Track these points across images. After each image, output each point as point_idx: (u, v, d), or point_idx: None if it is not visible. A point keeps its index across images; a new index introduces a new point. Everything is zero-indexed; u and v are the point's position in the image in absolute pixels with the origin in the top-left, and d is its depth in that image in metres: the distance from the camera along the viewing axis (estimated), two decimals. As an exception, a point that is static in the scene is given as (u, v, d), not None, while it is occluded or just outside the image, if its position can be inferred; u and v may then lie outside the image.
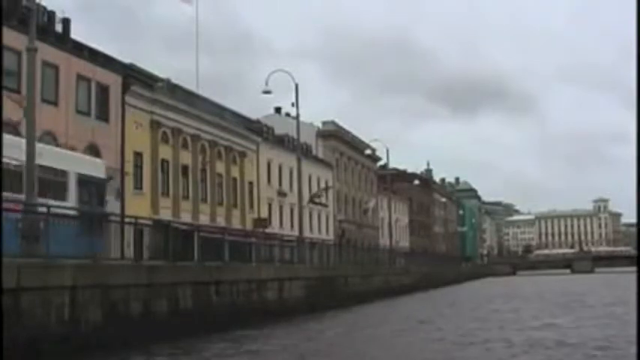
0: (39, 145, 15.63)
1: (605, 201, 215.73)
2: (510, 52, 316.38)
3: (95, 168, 19.74)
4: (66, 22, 30.84)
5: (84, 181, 18.08)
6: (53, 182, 16.64)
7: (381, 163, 71.16)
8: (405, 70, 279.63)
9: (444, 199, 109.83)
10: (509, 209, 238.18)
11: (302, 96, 32.14)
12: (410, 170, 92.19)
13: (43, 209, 13.52)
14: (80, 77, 29.23)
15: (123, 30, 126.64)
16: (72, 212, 15.60)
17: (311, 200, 52.12)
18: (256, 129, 47.62)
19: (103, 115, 30.73)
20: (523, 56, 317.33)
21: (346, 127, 65.94)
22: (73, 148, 25.24)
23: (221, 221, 39.62)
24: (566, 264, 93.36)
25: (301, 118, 33.66)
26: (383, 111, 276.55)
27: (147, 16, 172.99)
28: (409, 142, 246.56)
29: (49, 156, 16.58)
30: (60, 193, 16.69)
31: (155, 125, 34.97)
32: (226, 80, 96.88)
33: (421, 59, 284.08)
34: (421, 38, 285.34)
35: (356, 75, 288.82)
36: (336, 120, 64.14)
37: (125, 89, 32.21)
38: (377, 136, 70.02)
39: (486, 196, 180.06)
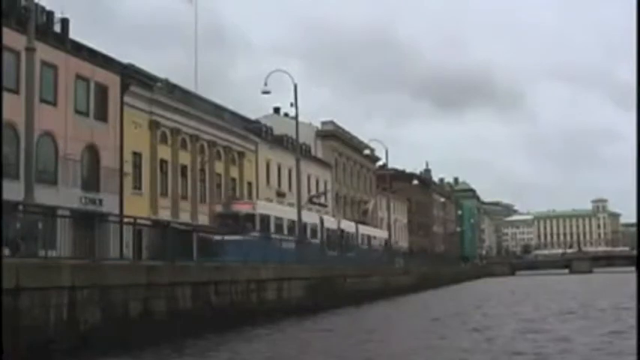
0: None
1: (604, 201, 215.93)
2: (499, 48, 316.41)
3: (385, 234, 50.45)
4: (65, 22, 30.84)
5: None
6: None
7: (380, 163, 71.16)
8: (388, 68, 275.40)
9: (442, 199, 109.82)
10: (508, 209, 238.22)
11: (286, 94, 31.80)
12: (408, 170, 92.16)
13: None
14: (79, 77, 29.23)
15: (92, 22, 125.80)
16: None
17: (310, 200, 52.07)
18: (255, 129, 47.62)
19: (102, 115, 30.71)
20: (512, 53, 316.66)
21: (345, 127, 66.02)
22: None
23: (220, 221, 39.62)
24: (565, 264, 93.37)
25: (287, 118, 33.54)
26: (368, 110, 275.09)
27: (120, 9, 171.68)
28: (399, 141, 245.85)
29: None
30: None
31: (154, 125, 34.95)
32: (205, 75, 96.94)
33: (404, 56, 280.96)
34: (405, 34, 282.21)
35: (337, 73, 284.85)
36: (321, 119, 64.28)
37: (124, 89, 32.20)
38: (363, 134, 70.20)
39: (485, 196, 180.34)
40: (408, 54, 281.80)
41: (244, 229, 25.03)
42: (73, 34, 31.29)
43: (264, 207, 31.27)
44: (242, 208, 29.11)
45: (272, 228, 28.78)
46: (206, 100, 41.96)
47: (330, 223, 37.82)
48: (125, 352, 12.84)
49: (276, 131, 50.99)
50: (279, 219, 30.31)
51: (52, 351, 11.60)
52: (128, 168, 32.28)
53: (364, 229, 44.60)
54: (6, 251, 12.22)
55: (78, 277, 12.69)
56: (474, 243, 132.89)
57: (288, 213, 32.90)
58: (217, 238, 22.56)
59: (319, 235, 34.24)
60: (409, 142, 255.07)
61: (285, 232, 30.01)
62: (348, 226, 41.70)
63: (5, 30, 19.53)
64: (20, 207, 13.68)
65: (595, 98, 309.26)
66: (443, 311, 26.20)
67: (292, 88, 30.82)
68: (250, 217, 28.01)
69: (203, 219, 37.95)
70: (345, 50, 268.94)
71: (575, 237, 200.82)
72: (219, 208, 31.23)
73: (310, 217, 35.33)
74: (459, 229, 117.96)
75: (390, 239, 51.97)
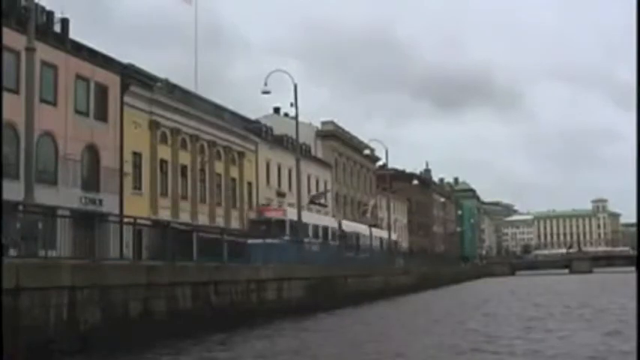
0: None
1: (604, 201, 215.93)
2: (499, 48, 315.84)
3: (393, 236, 51.55)
4: (65, 22, 30.84)
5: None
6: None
7: (380, 163, 71.17)
8: (387, 68, 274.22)
9: (442, 199, 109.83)
10: (508, 209, 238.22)
11: (286, 94, 31.75)
12: (408, 170, 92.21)
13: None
14: (79, 77, 29.22)
15: (92, 22, 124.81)
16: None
17: (311, 202, 52.11)
18: (255, 129, 47.62)
19: (102, 116, 30.70)
20: (511, 53, 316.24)
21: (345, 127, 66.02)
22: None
23: (220, 221, 39.60)
24: (565, 264, 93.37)
25: (287, 118, 33.74)
26: (367, 110, 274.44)
27: (120, 9, 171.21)
28: (399, 141, 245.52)
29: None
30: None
31: (154, 125, 34.94)
32: (205, 75, 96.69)
33: (404, 56, 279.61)
34: (405, 34, 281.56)
35: (337, 73, 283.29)
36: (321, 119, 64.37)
37: (124, 89, 32.18)
38: (363, 134, 70.14)
39: (485, 196, 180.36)
40: (407, 54, 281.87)
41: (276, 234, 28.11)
42: (73, 34, 31.34)
43: (294, 213, 33.73)
44: (274, 214, 32.51)
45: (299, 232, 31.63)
46: (206, 100, 41.96)
47: (347, 226, 42.28)
48: (125, 352, 12.84)
49: (276, 131, 50.98)
50: (305, 224, 33.19)
51: (52, 351, 11.60)
52: (128, 168, 32.27)
53: (376, 232, 49.32)
54: (12, 251, 12.26)
55: (78, 277, 12.69)
56: (474, 243, 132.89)
57: (314, 218, 37.24)
58: (253, 241, 24.61)
59: (338, 237, 38.55)
60: (409, 142, 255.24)
61: (311, 234, 33.17)
62: (363, 229, 46.38)
63: (5, 30, 19.52)
64: (20, 207, 13.68)
65: (595, 98, 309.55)
66: (443, 311, 26.23)
67: (292, 88, 30.81)
68: (281, 223, 31.10)
69: (203, 219, 37.96)
70: (344, 50, 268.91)
71: (575, 237, 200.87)
72: (252, 215, 34.75)
73: (330, 222, 40.03)
74: (459, 229, 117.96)
75: (390, 239, 52.14)
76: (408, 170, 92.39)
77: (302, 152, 43.84)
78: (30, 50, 15.54)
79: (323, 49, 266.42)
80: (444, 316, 23.79)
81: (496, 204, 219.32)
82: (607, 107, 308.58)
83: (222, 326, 16.99)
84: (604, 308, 24.78)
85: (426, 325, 20.08)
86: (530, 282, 61.03)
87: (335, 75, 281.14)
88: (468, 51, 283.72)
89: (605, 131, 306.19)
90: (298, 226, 30.59)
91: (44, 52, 24.66)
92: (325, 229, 36.73)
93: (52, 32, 29.47)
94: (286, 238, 28.49)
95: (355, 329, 19.25)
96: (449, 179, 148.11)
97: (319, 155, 60.13)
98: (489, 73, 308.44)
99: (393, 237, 56.34)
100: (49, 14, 30.17)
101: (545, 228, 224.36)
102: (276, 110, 59.37)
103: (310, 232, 33.54)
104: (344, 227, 41.01)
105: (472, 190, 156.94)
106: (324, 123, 63.06)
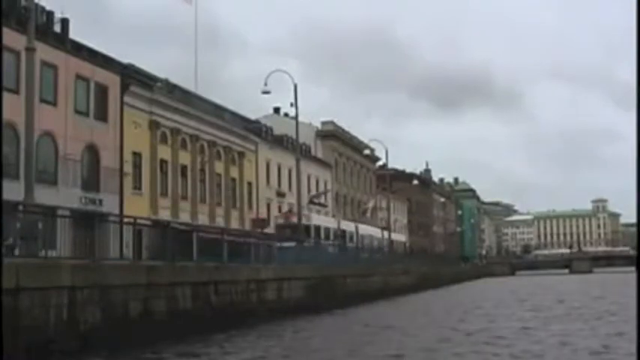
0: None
1: (604, 201, 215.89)
2: (499, 48, 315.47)
3: (403, 238, 62.67)
4: (65, 22, 30.85)
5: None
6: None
7: (380, 163, 71.17)
8: (387, 68, 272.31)
9: (442, 199, 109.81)
10: (508, 209, 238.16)
11: (286, 95, 31.86)
12: (408, 170, 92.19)
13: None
14: (79, 77, 29.22)
15: (92, 22, 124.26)
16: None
17: (310, 201, 52.13)
18: (255, 129, 47.62)
19: (102, 116, 30.71)
20: (511, 53, 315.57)
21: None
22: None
23: (220, 221, 39.61)
24: (565, 264, 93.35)
25: (287, 118, 33.89)
26: (367, 109, 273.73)
27: (119, 9, 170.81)
28: (399, 141, 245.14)
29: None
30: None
31: (154, 125, 34.94)
32: (205, 75, 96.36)
33: (404, 56, 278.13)
34: (404, 34, 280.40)
35: (337, 73, 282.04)
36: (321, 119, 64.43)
37: (124, 89, 32.18)
38: (362, 134, 70.14)
39: (485, 196, 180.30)
40: (407, 54, 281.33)
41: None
42: (73, 34, 31.34)
43: (317, 219, 38.66)
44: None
45: (322, 235, 35.60)
46: (206, 100, 41.96)
47: (362, 229, 46.40)
48: (125, 352, 12.85)
49: (276, 131, 50.99)
50: (327, 229, 37.61)
51: (52, 351, 11.60)
52: (128, 168, 32.27)
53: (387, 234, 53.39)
54: (17, 251, 12.28)
55: (78, 277, 12.69)
56: (474, 243, 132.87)
57: (333, 223, 41.71)
58: (279, 244, 26.99)
59: (355, 240, 42.63)
60: (409, 142, 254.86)
61: (332, 238, 37.20)
62: (376, 232, 50.06)
63: (5, 30, 19.52)
64: (20, 207, 13.68)
65: (595, 98, 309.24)
66: (443, 311, 26.23)
67: (292, 88, 30.86)
68: (306, 228, 33.97)
69: (203, 219, 37.96)
70: (344, 50, 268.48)
71: (575, 237, 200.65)
72: (280, 220, 38.10)
73: (348, 226, 44.62)
74: (459, 229, 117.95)
75: (390, 239, 52.41)
76: (408, 170, 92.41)
77: (302, 152, 43.87)
78: (30, 50, 15.54)
79: (323, 49, 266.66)
80: (443, 316, 23.79)
81: (496, 204, 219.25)
82: (607, 107, 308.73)
83: (222, 326, 16.99)
84: (604, 308, 24.77)
85: (426, 325, 20.08)
86: (531, 282, 61.00)
87: (335, 75, 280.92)
88: (467, 51, 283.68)
89: (605, 131, 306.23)
90: (299, 229, 31.74)
91: (44, 52, 24.66)
92: (343, 232, 41.18)
93: (52, 32, 29.47)
94: (312, 241, 32.05)
95: (355, 329, 19.25)
96: (449, 179, 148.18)
97: (319, 155, 60.13)
98: (489, 73, 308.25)
99: (402, 239, 60.60)
100: (49, 14, 30.17)
101: (545, 228, 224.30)
102: (276, 110, 59.38)
103: (332, 236, 37.71)
104: (361, 231, 45.37)
105: (472, 190, 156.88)
106: (324, 123, 63.09)
